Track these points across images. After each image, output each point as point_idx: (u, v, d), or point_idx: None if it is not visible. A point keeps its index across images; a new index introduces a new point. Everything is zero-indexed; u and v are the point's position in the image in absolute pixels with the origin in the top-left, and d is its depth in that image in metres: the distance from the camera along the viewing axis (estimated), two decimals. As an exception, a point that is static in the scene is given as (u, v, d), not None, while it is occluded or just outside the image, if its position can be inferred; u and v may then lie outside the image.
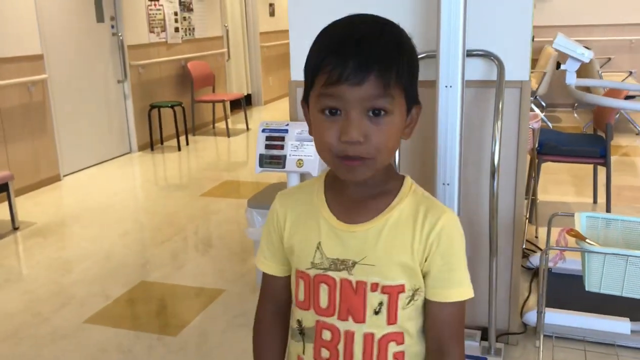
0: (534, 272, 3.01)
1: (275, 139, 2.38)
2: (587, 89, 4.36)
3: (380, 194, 0.96)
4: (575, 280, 2.67)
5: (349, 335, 0.95)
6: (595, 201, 4.22)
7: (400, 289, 0.93)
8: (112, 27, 5.90)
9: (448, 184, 2.11)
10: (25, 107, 4.87)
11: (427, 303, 0.96)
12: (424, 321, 0.98)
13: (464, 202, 2.23)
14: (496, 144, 2.13)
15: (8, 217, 4.09)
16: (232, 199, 4.78)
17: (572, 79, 2.49)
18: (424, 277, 0.95)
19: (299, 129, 2.35)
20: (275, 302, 1.07)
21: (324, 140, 0.89)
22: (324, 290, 0.96)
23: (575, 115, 7.48)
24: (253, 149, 6.77)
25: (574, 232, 2.00)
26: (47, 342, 2.67)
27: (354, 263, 0.94)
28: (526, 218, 3.60)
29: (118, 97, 6.07)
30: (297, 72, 2.49)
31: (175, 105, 6.29)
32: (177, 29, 6.78)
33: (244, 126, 7.30)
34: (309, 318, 0.99)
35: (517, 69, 2.24)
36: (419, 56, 2.32)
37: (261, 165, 2.40)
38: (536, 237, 3.58)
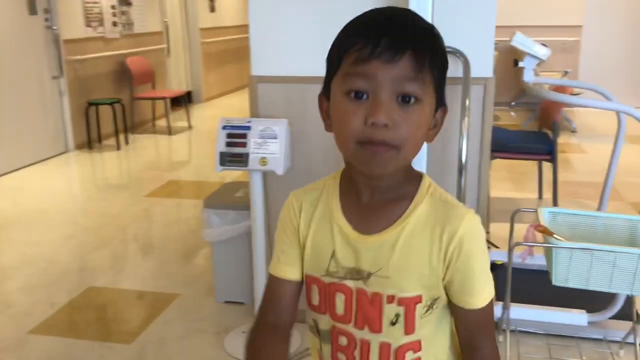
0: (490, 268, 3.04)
1: (236, 136, 2.29)
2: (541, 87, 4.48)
3: (397, 199, 0.91)
4: (530, 274, 2.72)
5: (365, 344, 0.92)
6: (540, 197, 4.34)
7: (418, 299, 0.89)
8: (46, 20, 5.60)
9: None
10: (-48, 103, 4.56)
11: (454, 307, 0.92)
12: (451, 320, 0.96)
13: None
14: (464, 140, 2.12)
15: (-64, 221, 3.81)
16: (179, 200, 4.63)
17: (529, 77, 2.53)
18: (446, 285, 0.90)
19: (262, 126, 2.27)
20: (278, 311, 0.98)
21: (347, 125, 0.83)
22: (340, 298, 0.92)
23: (512, 113, 7.70)
24: (196, 147, 6.61)
25: (542, 228, 2.02)
26: (-11, 355, 2.49)
27: (369, 274, 0.89)
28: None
29: (53, 94, 5.78)
30: (258, 67, 2.41)
31: (114, 103, 6.05)
32: (115, 23, 6.52)
33: (185, 124, 7.11)
34: (325, 321, 0.95)
35: (481, 66, 2.24)
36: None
37: (222, 163, 2.31)
38: (487, 232, 3.63)
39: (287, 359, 1.00)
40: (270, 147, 2.25)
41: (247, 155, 2.27)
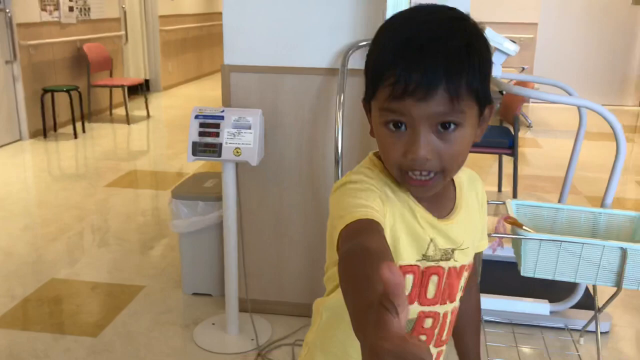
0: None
1: (209, 125, 2.27)
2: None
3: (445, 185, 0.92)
4: (496, 266, 2.79)
5: (445, 316, 0.98)
6: (500, 190, 4.44)
7: (471, 264, 1.01)
8: (-1, 2, 5.40)
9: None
10: None
11: None
12: None
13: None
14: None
15: None
16: (141, 190, 4.55)
17: (498, 71, 2.57)
18: None
19: (236, 115, 2.25)
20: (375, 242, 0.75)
21: (388, 155, 0.85)
22: (432, 281, 0.93)
23: (470, 107, 7.84)
24: (155, 137, 6.49)
25: (512, 220, 2.07)
26: (-53, 350, 2.40)
27: (454, 250, 0.94)
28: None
29: (7, 80, 5.57)
30: (231, 56, 2.38)
31: (70, 90, 5.87)
32: (71, 8, 6.33)
33: (143, 113, 6.97)
34: (410, 311, 0.94)
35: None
36: (362, 44, 2.29)
37: (194, 153, 2.28)
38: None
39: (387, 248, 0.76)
40: (244, 138, 2.23)
41: (220, 145, 2.25)
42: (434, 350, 1.00)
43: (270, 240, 2.59)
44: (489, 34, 2.54)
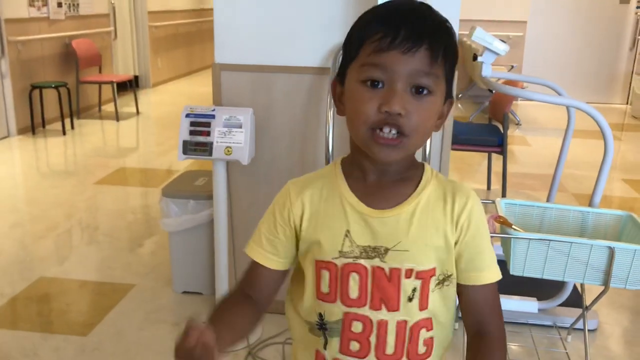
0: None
1: (200, 124, 2.26)
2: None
3: (403, 179, 0.94)
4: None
5: (383, 325, 0.92)
6: (489, 188, 4.47)
7: (432, 272, 0.92)
8: (-14, -3, 5.35)
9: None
10: None
11: (462, 288, 0.95)
12: (457, 307, 0.98)
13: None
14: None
15: None
16: (129, 187, 4.54)
17: (488, 71, 2.58)
18: (457, 260, 0.94)
19: (227, 114, 2.25)
20: (257, 292, 0.99)
21: (361, 110, 0.86)
22: (354, 279, 0.91)
23: (460, 106, 7.86)
24: (144, 134, 6.46)
25: (502, 219, 2.09)
26: None
27: (387, 250, 0.91)
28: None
29: (-6, 76, 5.53)
30: (222, 54, 2.38)
31: (59, 86, 5.84)
32: (60, 4, 6.28)
33: (133, 109, 6.94)
34: (334, 311, 0.93)
35: (444, 60, 2.29)
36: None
37: (185, 152, 2.28)
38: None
39: (250, 323, 1.00)
40: (235, 137, 2.23)
41: (211, 144, 2.25)
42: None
43: (261, 238, 2.59)
44: (480, 33, 2.55)
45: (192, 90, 8.66)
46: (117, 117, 6.60)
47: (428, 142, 2.17)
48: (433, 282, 0.92)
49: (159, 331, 2.53)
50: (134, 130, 6.50)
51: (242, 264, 2.59)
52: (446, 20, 0.90)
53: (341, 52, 2.33)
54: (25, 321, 2.61)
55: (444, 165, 2.41)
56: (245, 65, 2.38)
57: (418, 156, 2.36)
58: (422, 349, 0.94)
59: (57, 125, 5.95)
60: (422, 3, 0.90)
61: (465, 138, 3.92)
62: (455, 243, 0.93)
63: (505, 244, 2.15)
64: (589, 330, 2.53)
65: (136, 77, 8.21)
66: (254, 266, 0.99)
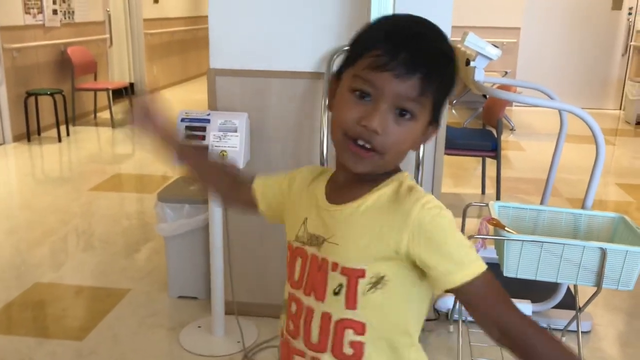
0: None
1: (196, 129, 2.28)
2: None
3: (370, 180, 0.94)
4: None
5: (310, 312, 0.95)
6: (483, 192, 4.49)
7: (360, 273, 0.90)
8: (-18, 5, 5.36)
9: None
10: None
11: (454, 293, 0.90)
12: (412, 323, 0.97)
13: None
14: (421, 136, 2.18)
15: None
16: (124, 193, 4.54)
17: (480, 76, 2.61)
18: (427, 271, 0.90)
19: (222, 119, 2.27)
20: (241, 181, 1.14)
21: (342, 117, 0.89)
22: (298, 263, 0.98)
23: (454, 111, 7.90)
24: (140, 140, 6.46)
25: (495, 221, 2.11)
26: None
27: (324, 240, 0.95)
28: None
29: (-11, 83, 5.53)
30: (217, 60, 2.40)
31: (55, 93, 5.84)
32: (55, 11, 6.30)
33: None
34: (286, 289, 1.02)
35: (437, 64, 2.31)
36: (347, 48, 2.35)
37: (180, 157, 2.29)
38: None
39: (219, 177, 1.18)
40: (230, 141, 2.25)
41: (206, 148, 2.26)
42: (306, 350, 0.95)
43: (256, 242, 2.60)
44: (472, 38, 2.58)
45: (188, 97, 8.67)
46: (112, 124, 6.61)
47: (421, 147, 2.18)
48: (362, 283, 0.90)
49: (154, 335, 2.54)
50: (129, 137, 6.50)
51: (238, 267, 2.61)
52: (451, 51, 0.90)
53: (335, 57, 2.35)
54: (20, 326, 2.61)
55: (437, 169, 2.43)
56: (240, 71, 2.40)
57: (410, 159, 2.37)
58: (348, 350, 0.93)
59: (53, 133, 5.96)
60: (431, 27, 0.90)
61: (459, 143, 3.95)
62: (408, 250, 0.88)
63: (499, 246, 2.17)
64: (583, 332, 2.55)
65: (132, 85, 8.22)
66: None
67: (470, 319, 2.55)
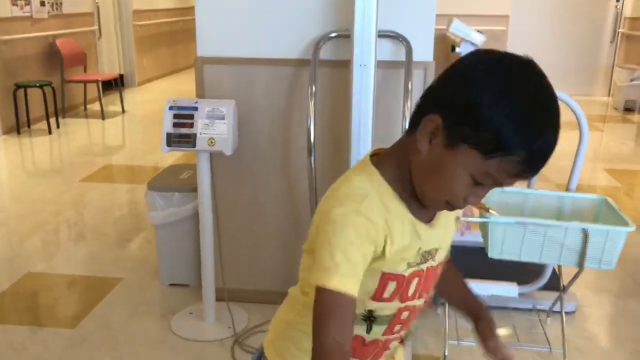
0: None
1: (184, 117, 2.30)
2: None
3: None
4: (466, 251, 2.87)
5: (419, 306, 1.05)
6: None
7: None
8: (-31, -3, 5.34)
9: (362, 161, 2.16)
10: None
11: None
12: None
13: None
14: (406, 122, 2.21)
15: None
16: (115, 184, 4.55)
17: (466, 62, 2.64)
18: None
19: (210, 106, 2.29)
20: (349, 330, 0.90)
21: (452, 191, 0.89)
22: (414, 283, 1.00)
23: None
24: (130, 132, 6.48)
25: (480, 204, 2.14)
26: None
27: (437, 250, 1.02)
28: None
29: (-23, 76, 5.52)
30: (204, 48, 2.42)
31: (44, 85, 5.83)
32: (42, 3, 6.27)
33: (118, 108, 6.94)
34: (389, 307, 1.00)
35: (422, 51, 2.34)
36: (333, 35, 2.35)
37: (169, 144, 2.31)
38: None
39: None
40: (218, 128, 2.27)
41: (194, 135, 2.28)
42: (403, 332, 1.08)
43: (246, 229, 2.63)
44: (457, 25, 2.61)
45: (178, 88, 8.66)
46: (102, 115, 6.61)
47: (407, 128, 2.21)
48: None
49: (146, 322, 2.56)
50: (119, 128, 6.51)
51: (228, 254, 2.64)
52: None
53: (321, 43, 2.35)
54: (13, 316, 2.63)
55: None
56: (227, 58, 2.41)
57: (393, 141, 2.39)
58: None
59: (43, 125, 5.95)
60: (552, 94, 0.86)
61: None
62: None
63: (484, 228, 2.20)
64: (567, 312, 2.60)
65: (121, 76, 8.21)
66: (348, 302, 0.88)
67: (457, 301, 2.60)
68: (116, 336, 2.47)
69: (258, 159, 2.53)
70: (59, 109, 6.29)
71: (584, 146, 2.42)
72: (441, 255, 1.04)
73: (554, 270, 2.74)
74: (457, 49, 2.69)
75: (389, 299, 0.98)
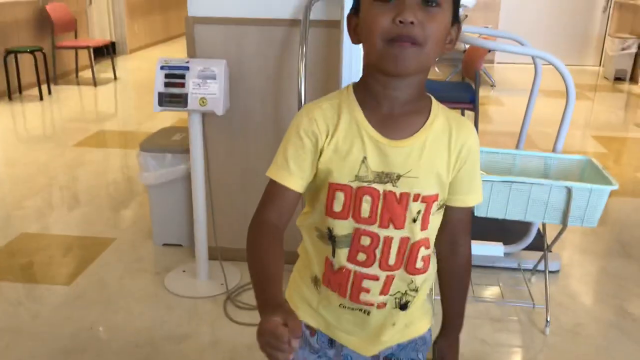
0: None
1: (175, 76, 2.31)
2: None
3: (415, 111, 1.01)
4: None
5: (388, 240, 1.02)
6: (462, 145, 4.57)
7: (435, 198, 1.03)
8: (-43, -40, 5.26)
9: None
10: None
11: (447, 209, 1.07)
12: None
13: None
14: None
15: None
16: (108, 149, 4.57)
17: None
18: (451, 184, 1.04)
19: (201, 66, 2.30)
20: (280, 214, 1.02)
21: (376, 25, 0.92)
22: (366, 201, 1.00)
23: (437, 69, 7.93)
24: (122, 99, 6.46)
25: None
26: None
27: (399, 176, 0.99)
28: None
29: (-33, 40, 5.47)
30: (195, 8, 2.42)
31: (35, 51, 5.79)
32: (32, -33, 6.19)
33: (110, 75, 6.91)
34: (345, 226, 1.02)
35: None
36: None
37: (160, 104, 2.33)
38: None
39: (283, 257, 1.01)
40: (209, 88, 2.29)
41: (186, 95, 2.30)
42: (380, 273, 1.04)
43: (238, 189, 2.67)
44: (447, -14, 2.62)
45: (170, 55, 8.57)
46: (94, 82, 6.58)
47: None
48: (435, 206, 1.03)
49: (140, 280, 2.62)
50: (112, 95, 6.49)
51: (220, 214, 2.68)
52: None
53: (312, 2, 2.37)
54: (7, 273, 2.67)
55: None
56: (218, 18, 2.42)
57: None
58: (419, 264, 1.05)
59: (34, 91, 5.93)
60: None
61: (438, 95, 3.97)
62: (457, 171, 1.03)
63: (471, 187, 2.25)
64: (551, 271, 2.67)
65: (113, 44, 8.14)
66: (280, 190, 1.01)
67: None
68: (110, 293, 2.52)
69: (250, 120, 2.56)
70: (51, 75, 6.25)
71: (571, 106, 2.45)
72: (408, 186, 0.99)
73: (538, 230, 2.81)
74: (448, 12, 2.71)
75: (342, 215, 1.01)
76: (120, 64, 7.67)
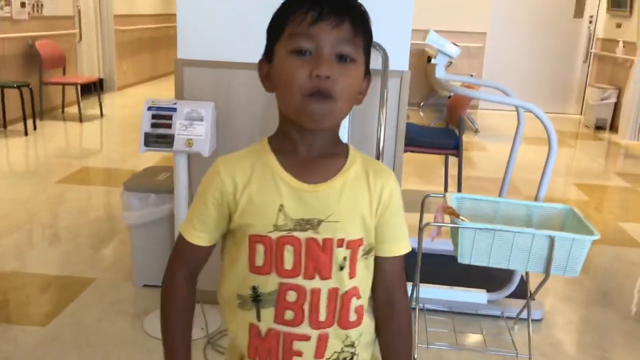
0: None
1: (162, 117, 2.32)
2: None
3: (331, 155, 1.01)
4: (438, 258, 2.92)
5: (315, 293, 0.97)
6: (446, 189, 4.59)
7: (360, 242, 1.00)
8: (-52, -5, 5.29)
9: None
10: None
11: (377, 260, 1.04)
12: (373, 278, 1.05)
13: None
14: (382, 129, 2.27)
15: None
16: (93, 186, 4.54)
17: (441, 72, 2.71)
18: (375, 231, 1.02)
19: (189, 108, 2.31)
20: (191, 270, 1.06)
21: (293, 78, 0.92)
22: (288, 251, 0.96)
23: (421, 113, 8.04)
24: (108, 136, 6.45)
25: (450, 210, 2.20)
26: None
27: (320, 221, 0.96)
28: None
29: (-46, 74, 5.46)
30: (184, 50, 2.45)
31: (21, 86, 5.79)
32: (23, 4, 6.23)
33: (97, 112, 6.91)
34: (269, 282, 0.98)
35: (398, 60, 2.40)
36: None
37: (147, 144, 2.33)
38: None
39: (191, 323, 1.09)
40: (196, 129, 2.30)
41: (172, 136, 2.30)
42: (311, 332, 0.99)
43: (221, 231, 2.65)
44: (433, 36, 2.68)
45: (158, 94, 8.65)
46: (80, 118, 6.57)
47: (382, 137, 2.27)
48: (360, 251, 1.00)
49: (119, 322, 2.57)
50: (97, 132, 6.48)
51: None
52: (362, 5, 0.98)
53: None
54: (-17, 313, 2.61)
55: (397, 164, 2.51)
56: (207, 61, 2.45)
57: (371, 151, 2.44)
58: (353, 316, 1.01)
59: (19, 126, 5.90)
60: None
61: (423, 141, 4.05)
62: (379, 217, 1.01)
63: (454, 233, 2.26)
64: (534, 320, 2.66)
65: (101, 81, 8.18)
66: (188, 245, 1.03)
67: (427, 306, 2.65)
68: (88, 335, 2.46)
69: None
70: (37, 111, 6.24)
71: (553, 156, 2.50)
72: (331, 231, 0.96)
73: (521, 278, 2.81)
74: (433, 60, 2.76)
75: (264, 270, 0.97)
76: (107, 101, 7.68)
